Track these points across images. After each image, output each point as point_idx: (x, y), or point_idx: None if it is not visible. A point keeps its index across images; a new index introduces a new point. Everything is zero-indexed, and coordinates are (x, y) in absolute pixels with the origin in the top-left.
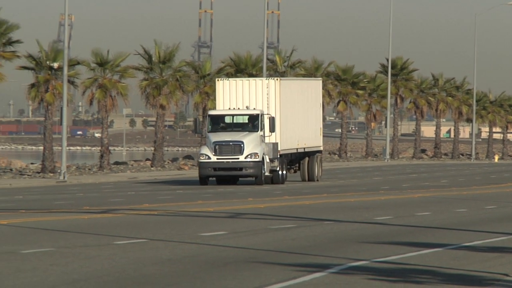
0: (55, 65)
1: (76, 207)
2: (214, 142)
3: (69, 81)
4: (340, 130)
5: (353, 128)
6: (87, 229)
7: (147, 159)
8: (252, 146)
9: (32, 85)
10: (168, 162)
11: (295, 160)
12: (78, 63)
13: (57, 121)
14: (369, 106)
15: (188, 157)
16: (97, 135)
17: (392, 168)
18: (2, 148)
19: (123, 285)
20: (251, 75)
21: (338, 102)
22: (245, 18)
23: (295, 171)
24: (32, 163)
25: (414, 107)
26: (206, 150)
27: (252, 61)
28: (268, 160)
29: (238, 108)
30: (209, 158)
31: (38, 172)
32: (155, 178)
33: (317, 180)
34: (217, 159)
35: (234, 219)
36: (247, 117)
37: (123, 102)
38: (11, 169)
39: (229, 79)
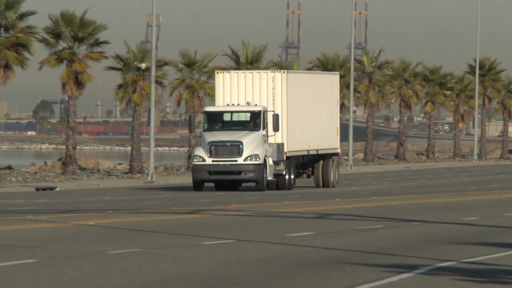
0: (143, 65)
1: (164, 208)
2: (210, 142)
3: (156, 81)
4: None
5: (441, 129)
6: (175, 230)
7: None
8: (252, 147)
9: (120, 86)
10: None
11: (308, 163)
12: (166, 64)
13: (145, 121)
14: (457, 107)
15: None
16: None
17: (479, 168)
18: (90, 149)
19: (210, 285)
20: (339, 76)
21: (426, 103)
22: (332, 19)
23: (308, 176)
24: (119, 164)
25: (501, 108)
26: (200, 152)
27: (339, 61)
28: (271, 163)
29: (238, 104)
30: (204, 160)
31: (126, 173)
32: None
33: (333, 186)
34: (213, 161)
35: (322, 219)
36: (247, 114)
37: (211, 103)
38: (99, 170)
39: (230, 71)
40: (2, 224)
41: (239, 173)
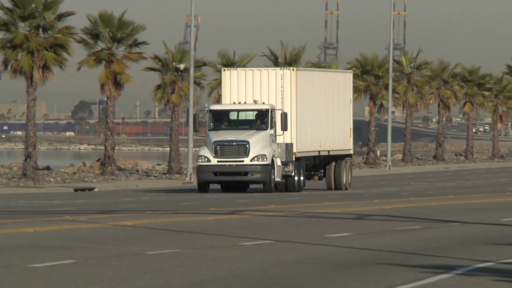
0: (182, 66)
1: (202, 209)
2: (215, 142)
3: (195, 82)
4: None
5: (480, 130)
6: (214, 230)
7: None
8: (259, 147)
9: (158, 87)
10: None
11: (320, 165)
12: (205, 65)
13: (183, 122)
14: (496, 108)
15: None
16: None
17: None
18: (129, 150)
19: (248, 286)
20: (377, 77)
21: (464, 103)
22: (371, 20)
23: (320, 178)
24: (158, 165)
25: None
26: (205, 152)
27: (378, 62)
28: (279, 164)
29: (245, 103)
30: (209, 160)
31: (164, 173)
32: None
33: (346, 189)
34: (218, 162)
35: (360, 220)
36: (254, 113)
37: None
38: (137, 170)
39: (237, 69)
40: (40, 225)
41: (246, 174)
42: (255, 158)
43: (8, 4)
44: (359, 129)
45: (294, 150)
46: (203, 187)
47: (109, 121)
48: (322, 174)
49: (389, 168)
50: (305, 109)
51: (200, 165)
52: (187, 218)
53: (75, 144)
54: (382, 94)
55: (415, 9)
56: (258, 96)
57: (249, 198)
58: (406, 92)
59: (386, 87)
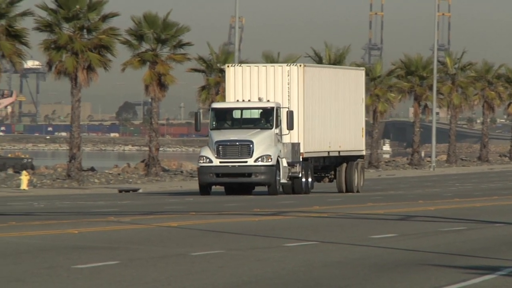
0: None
1: (246, 210)
2: (217, 141)
3: None
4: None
5: None
6: (257, 231)
7: None
8: (264, 147)
9: (203, 88)
10: None
11: (330, 166)
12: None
13: None
14: None
15: None
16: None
17: None
18: (173, 151)
19: (293, 287)
20: (421, 78)
21: (509, 104)
22: (415, 20)
23: (330, 180)
24: None
25: None
26: (207, 152)
27: (422, 63)
28: (285, 164)
29: (249, 100)
30: (211, 161)
31: None
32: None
33: (357, 192)
34: (220, 162)
35: (404, 221)
36: (259, 111)
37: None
38: (181, 172)
39: (242, 65)
40: (85, 226)
41: (249, 175)
42: (259, 159)
43: (52, 5)
44: (404, 130)
45: (302, 150)
46: (205, 189)
47: (153, 122)
48: (332, 176)
49: (434, 169)
50: (313, 107)
51: (201, 166)
52: (231, 219)
53: (120, 145)
54: (427, 95)
55: (459, 10)
56: (263, 94)
57: (292, 199)
58: (451, 93)
59: (431, 88)
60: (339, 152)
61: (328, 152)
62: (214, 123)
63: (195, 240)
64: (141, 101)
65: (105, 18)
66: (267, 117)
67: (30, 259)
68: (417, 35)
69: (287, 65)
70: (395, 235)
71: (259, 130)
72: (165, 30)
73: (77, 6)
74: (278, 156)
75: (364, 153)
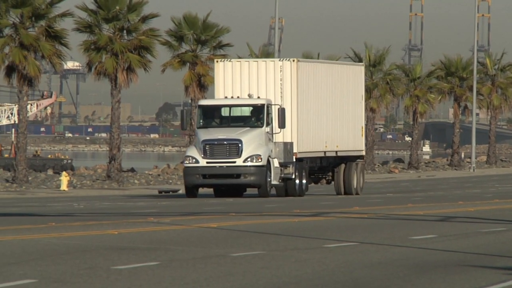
0: None
1: (286, 210)
2: (204, 140)
3: None
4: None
5: None
6: (298, 232)
7: None
8: (253, 146)
9: None
10: (378, 166)
11: (327, 167)
12: None
13: None
14: None
15: (399, 160)
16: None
17: None
18: None
19: None
20: (461, 78)
21: None
22: (455, 21)
23: (328, 182)
24: None
25: None
26: (193, 152)
27: (462, 64)
28: (277, 165)
29: (238, 97)
30: (197, 162)
31: None
32: (366, 181)
33: (357, 194)
34: (207, 163)
35: (444, 222)
36: (249, 108)
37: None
38: None
39: (232, 60)
40: (124, 227)
41: (238, 176)
42: (249, 159)
43: (92, 6)
44: (443, 131)
45: (295, 150)
46: (191, 191)
47: (193, 123)
48: (330, 178)
49: (474, 170)
50: (308, 104)
51: (187, 167)
52: (271, 220)
53: (160, 146)
54: (466, 96)
55: (499, 11)
56: (255, 90)
57: (333, 200)
58: (491, 94)
59: (471, 89)
60: (336, 152)
61: (325, 152)
62: (201, 121)
63: (235, 241)
64: (181, 102)
65: (145, 19)
66: (257, 115)
67: (70, 260)
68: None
69: (279, 60)
70: (435, 236)
71: (248, 128)
72: (205, 31)
73: (117, 7)
74: (269, 156)
75: (364, 153)
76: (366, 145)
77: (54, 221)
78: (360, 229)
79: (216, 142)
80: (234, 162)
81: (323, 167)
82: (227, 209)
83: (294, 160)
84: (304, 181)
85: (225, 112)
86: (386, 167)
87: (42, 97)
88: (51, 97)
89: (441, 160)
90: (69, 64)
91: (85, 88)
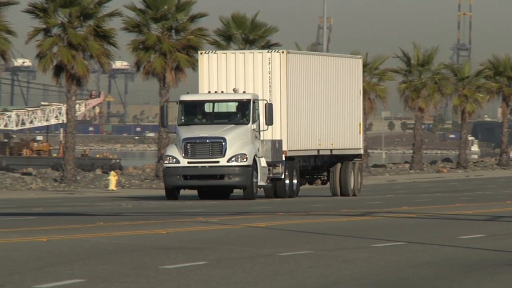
0: None
1: (334, 210)
2: (185, 139)
3: None
4: None
5: None
6: (345, 232)
7: (406, 162)
8: (238, 145)
9: None
10: (427, 165)
11: (322, 167)
12: None
13: None
14: None
15: (447, 159)
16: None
17: None
18: None
19: None
20: (510, 78)
21: None
22: (504, 21)
23: (323, 182)
24: None
25: None
26: (173, 151)
27: (510, 63)
28: (264, 165)
29: (222, 92)
30: (178, 161)
31: None
32: (414, 181)
33: (354, 195)
34: (188, 163)
35: (493, 222)
36: (234, 104)
37: (382, 105)
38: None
39: (217, 51)
40: (173, 226)
41: (222, 177)
42: (233, 158)
43: (141, 6)
44: (492, 130)
45: (284, 148)
46: (171, 193)
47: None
48: (325, 178)
49: None
50: (299, 99)
51: (167, 167)
52: (319, 220)
53: None
54: None
55: None
56: (241, 84)
57: (380, 200)
58: None
59: None
60: (331, 150)
61: (318, 150)
62: (182, 118)
63: (283, 241)
64: None
65: (193, 18)
66: (243, 111)
67: (118, 259)
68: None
69: (267, 52)
70: (483, 235)
71: (233, 125)
72: (253, 30)
73: (165, 7)
74: (255, 155)
75: (362, 151)
76: (414, 144)
77: (102, 220)
78: (408, 228)
79: (198, 141)
80: (218, 162)
81: (318, 167)
82: (275, 209)
83: (284, 159)
84: (295, 182)
85: (208, 108)
86: (434, 167)
87: (91, 96)
88: (99, 96)
89: (490, 160)
90: (118, 64)
91: (133, 87)
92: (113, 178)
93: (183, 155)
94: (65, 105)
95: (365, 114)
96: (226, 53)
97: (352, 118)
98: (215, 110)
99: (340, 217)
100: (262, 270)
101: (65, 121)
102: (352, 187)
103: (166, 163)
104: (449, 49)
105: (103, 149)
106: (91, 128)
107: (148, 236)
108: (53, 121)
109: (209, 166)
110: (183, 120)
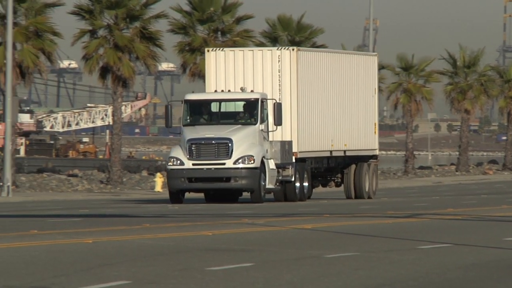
0: None
1: (380, 212)
2: (189, 140)
3: None
4: None
5: None
6: (391, 234)
7: (452, 164)
8: (245, 146)
9: None
10: (473, 167)
11: (336, 168)
12: (383, 68)
13: None
14: None
15: (493, 161)
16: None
17: None
18: None
19: None
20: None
21: None
22: None
23: (337, 185)
24: None
25: None
26: (178, 152)
27: None
28: (272, 167)
29: (229, 91)
30: (182, 163)
31: None
32: (460, 183)
33: (369, 198)
34: (193, 165)
35: None
36: (241, 103)
37: (428, 107)
38: None
39: (225, 49)
40: (219, 228)
41: (228, 179)
42: (240, 160)
43: (187, 8)
44: None
45: (294, 150)
46: (175, 196)
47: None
48: (339, 180)
49: None
50: (310, 99)
51: (171, 169)
52: (365, 222)
53: None
54: None
55: None
56: (250, 83)
57: (426, 202)
58: None
59: None
60: (344, 151)
61: (331, 151)
62: (188, 118)
63: (329, 242)
64: None
65: (239, 20)
66: (251, 111)
67: (164, 261)
68: None
69: (277, 49)
70: None
71: (240, 126)
72: (299, 32)
73: (212, 8)
74: (263, 157)
75: (377, 152)
76: (460, 146)
77: (148, 222)
78: (454, 230)
79: (203, 142)
80: (224, 163)
81: (331, 168)
82: (321, 211)
83: (294, 160)
84: (305, 184)
85: (214, 107)
86: (481, 168)
87: (137, 98)
88: (145, 98)
89: None
90: (164, 66)
91: (179, 89)
92: (159, 179)
93: (188, 156)
94: (111, 107)
95: (411, 116)
96: (234, 50)
97: (367, 117)
98: (222, 110)
99: (386, 219)
100: (308, 272)
101: (111, 123)
102: (367, 189)
103: (170, 165)
104: (495, 51)
105: (149, 150)
106: (137, 130)
107: (194, 237)
108: (99, 123)
109: (215, 168)
110: (188, 120)
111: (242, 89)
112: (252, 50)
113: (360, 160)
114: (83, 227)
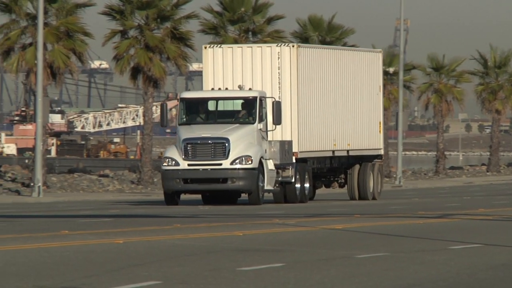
0: (391, 70)
1: (410, 212)
2: (185, 139)
3: (404, 86)
4: None
5: None
6: (422, 234)
7: (483, 164)
8: (243, 146)
9: None
10: (504, 167)
11: (339, 169)
12: (414, 68)
13: (393, 125)
14: None
15: None
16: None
17: None
18: None
19: None
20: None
21: None
22: None
23: (341, 185)
24: None
25: None
26: (173, 153)
27: None
28: (271, 167)
29: (226, 89)
30: (177, 164)
31: None
32: (491, 183)
33: (374, 199)
34: (189, 165)
35: None
36: (239, 102)
37: (459, 107)
38: None
39: (223, 46)
40: (250, 228)
41: (225, 180)
42: (237, 161)
43: (218, 8)
44: None
45: (295, 150)
46: (171, 198)
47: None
48: (343, 180)
49: None
50: (311, 97)
51: (165, 170)
52: (396, 222)
53: None
54: None
55: None
56: (249, 81)
57: (457, 202)
58: None
59: None
60: (347, 151)
61: (333, 151)
62: (183, 117)
63: (360, 242)
64: None
65: (270, 20)
66: (249, 109)
67: (195, 261)
68: None
69: (277, 46)
70: None
71: (238, 125)
72: (330, 32)
73: (242, 9)
74: (262, 157)
75: (382, 152)
76: (491, 146)
77: (179, 222)
78: (484, 230)
79: (199, 141)
80: (220, 164)
81: (334, 169)
82: (352, 211)
83: (294, 161)
84: (306, 185)
85: (211, 106)
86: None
87: (167, 98)
88: (176, 98)
89: None
90: (195, 66)
91: None
92: None
93: (183, 156)
94: (142, 107)
95: (442, 116)
96: (232, 47)
97: (371, 116)
98: (219, 109)
99: (417, 219)
100: (339, 272)
101: (142, 123)
102: (371, 190)
103: (165, 165)
104: None
105: None
106: (168, 130)
107: (225, 238)
108: (130, 123)
109: (211, 169)
110: (184, 119)
111: (240, 87)
112: (251, 47)
113: (364, 160)
114: (113, 227)
